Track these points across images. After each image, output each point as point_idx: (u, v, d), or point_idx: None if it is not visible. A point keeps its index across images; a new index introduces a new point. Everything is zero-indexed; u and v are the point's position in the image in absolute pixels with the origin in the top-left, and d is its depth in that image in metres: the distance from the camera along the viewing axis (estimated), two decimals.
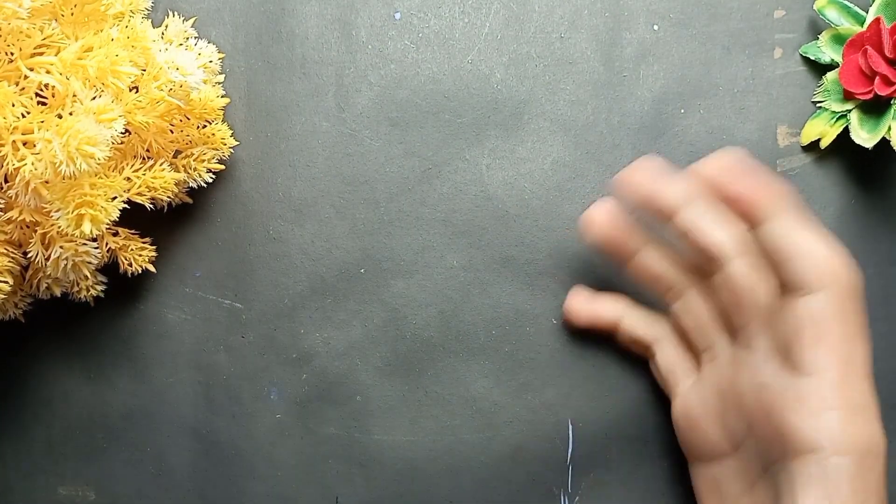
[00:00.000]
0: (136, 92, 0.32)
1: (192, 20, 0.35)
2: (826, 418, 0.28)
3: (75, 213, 0.30)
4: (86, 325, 0.38)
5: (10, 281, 0.32)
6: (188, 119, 0.35)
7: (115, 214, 0.31)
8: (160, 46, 0.31)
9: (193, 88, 0.32)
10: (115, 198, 0.31)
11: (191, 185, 0.36)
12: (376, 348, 0.38)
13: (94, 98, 0.30)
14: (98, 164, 0.28)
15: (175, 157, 0.36)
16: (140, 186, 0.34)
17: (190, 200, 0.38)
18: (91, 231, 0.30)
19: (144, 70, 0.32)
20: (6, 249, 0.32)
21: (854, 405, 0.29)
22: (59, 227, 0.31)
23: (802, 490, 0.28)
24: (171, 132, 0.35)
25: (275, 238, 0.39)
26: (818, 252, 0.29)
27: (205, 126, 0.36)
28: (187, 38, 0.34)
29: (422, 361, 0.38)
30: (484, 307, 0.38)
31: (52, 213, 0.30)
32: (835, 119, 0.38)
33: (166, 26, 0.34)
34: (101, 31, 0.32)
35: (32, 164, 0.28)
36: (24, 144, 0.29)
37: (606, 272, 0.38)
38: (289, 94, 0.38)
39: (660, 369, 0.36)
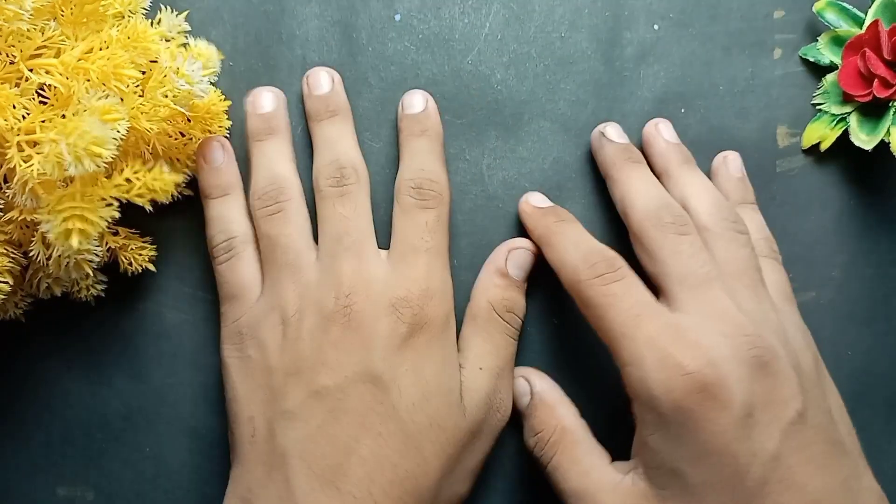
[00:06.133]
0: (141, 96, 0.32)
1: (184, 13, 0.34)
2: None
3: (63, 226, 0.29)
4: (86, 325, 0.38)
5: (11, 281, 0.32)
6: (189, 122, 0.35)
7: (104, 224, 0.31)
8: (165, 55, 0.31)
9: (198, 96, 0.32)
10: (109, 205, 0.31)
11: (191, 179, 0.37)
12: None
13: (99, 98, 0.29)
14: (105, 163, 0.28)
15: (175, 156, 0.36)
16: (140, 188, 0.34)
17: (191, 193, 0.38)
18: (79, 244, 0.29)
19: (144, 73, 0.32)
20: (6, 249, 0.32)
21: None
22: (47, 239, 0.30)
23: None
24: (170, 136, 0.35)
25: None
26: None
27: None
28: (181, 33, 0.34)
29: None
30: None
31: (40, 226, 0.30)
32: (835, 122, 0.38)
33: (159, 20, 0.33)
34: (101, 31, 0.31)
35: (39, 164, 0.28)
36: (29, 145, 0.29)
37: None
38: (289, 95, 0.38)
39: None
